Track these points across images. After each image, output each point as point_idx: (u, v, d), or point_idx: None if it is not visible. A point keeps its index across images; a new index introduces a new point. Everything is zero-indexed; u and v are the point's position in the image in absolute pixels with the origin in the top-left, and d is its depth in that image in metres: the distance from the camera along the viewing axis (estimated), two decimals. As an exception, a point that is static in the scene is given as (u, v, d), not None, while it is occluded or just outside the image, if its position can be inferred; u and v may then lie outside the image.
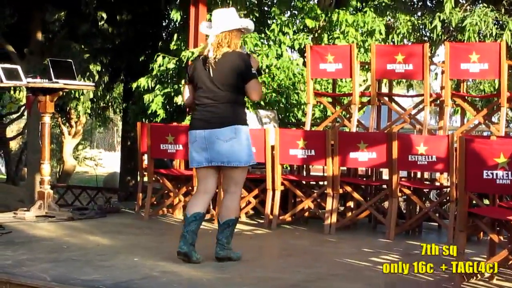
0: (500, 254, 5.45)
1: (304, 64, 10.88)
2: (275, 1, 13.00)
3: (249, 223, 8.76)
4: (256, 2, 13.26)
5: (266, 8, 13.57)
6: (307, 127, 9.43)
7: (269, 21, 12.81)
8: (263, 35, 11.80)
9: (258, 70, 6.43)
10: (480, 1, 14.13)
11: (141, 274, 5.73)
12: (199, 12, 10.81)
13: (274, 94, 10.85)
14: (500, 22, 13.07)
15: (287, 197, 8.81)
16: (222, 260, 6.19)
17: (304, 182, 8.74)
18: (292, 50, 12.43)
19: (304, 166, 9.10)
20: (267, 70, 11.03)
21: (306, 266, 6.26)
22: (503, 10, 13.20)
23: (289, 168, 9.40)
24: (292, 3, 12.41)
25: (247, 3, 12.81)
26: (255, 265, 6.24)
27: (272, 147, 8.27)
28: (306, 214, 8.87)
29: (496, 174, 5.20)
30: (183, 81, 10.73)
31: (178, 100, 10.90)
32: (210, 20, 6.45)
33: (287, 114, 11.13)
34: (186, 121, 10.54)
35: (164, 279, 5.58)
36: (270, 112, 9.96)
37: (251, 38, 11.06)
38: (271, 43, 11.64)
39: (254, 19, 12.62)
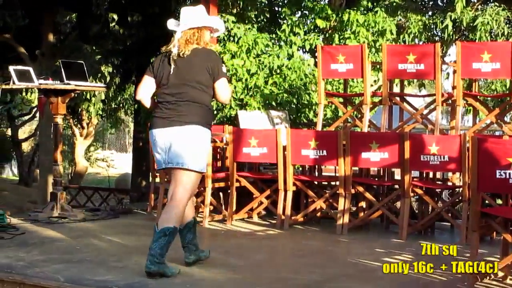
0: (513, 254, 5.44)
1: (315, 64, 10.88)
2: (285, 2, 13.01)
3: (261, 223, 8.76)
4: (266, 2, 13.27)
5: (277, 9, 13.58)
6: (319, 127, 9.43)
7: (280, 22, 12.81)
8: (274, 36, 11.81)
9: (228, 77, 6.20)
10: (491, 0, 14.09)
11: (154, 275, 5.73)
12: (209, 13, 10.82)
13: (285, 95, 10.84)
14: (512, 21, 13.04)
15: (299, 197, 8.81)
16: (153, 276, 5.56)
17: (316, 183, 8.74)
18: (303, 50, 12.43)
19: (316, 166, 9.10)
20: (278, 71, 11.03)
21: (318, 266, 6.25)
22: (514, 9, 13.16)
23: (301, 169, 9.40)
24: (303, 4, 12.40)
25: (258, 4, 12.81)
26: (267, 265, 6.25)
27: (284, 148, 8.27)
28: (318, 214, 8.87)
29: (509, 173, 5.18)
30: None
31: None
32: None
33: (299, 114, 11.13)
34: None
35: (177, 280, 5.58)
36: (282, 113, 9.97)
37: (262, 38, 11.06)
38: (282, 43, 11.64)
39: (264, 20, 12.65)
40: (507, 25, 12.82)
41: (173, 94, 5.78)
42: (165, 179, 8.94)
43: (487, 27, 12.39)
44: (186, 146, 5.71)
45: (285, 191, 8.33)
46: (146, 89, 5.97)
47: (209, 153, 5.89)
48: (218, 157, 9.33)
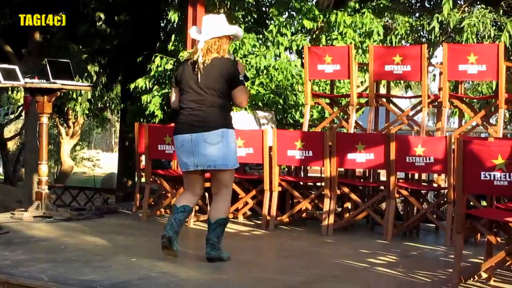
0: (497, 256, 5.45)
1: (302, 65, 10.89)
2: (273, 2, 13.01)
3: (246, 224, 8.76)
4: (254, 3, 13.27)
5: (264, 9, 13.58)
6: (305, 128, 9.43)
7: (267, 22, 12.82)
8: (261, 36, 11.81)
9: (245, 76, 6.46)
10: (478, 2, 14.14)
11: (139, 275, 5.72)
12: (197, 13, 10.80)
13: (272, 95, 10.85)
14: (498, 23, 13.07)
15: (284, 198, 8.81)
16: (213, 261, 6.20)
17: (301, 183, 8.74)
18: (290, 51, 12.44)
19: (302, 167, 9.10)
20: (265, 71, 11.04)
21: (303, 267, 6.26)
22: (501, 11, 13.20)
23: (286, 169, 9.41)
24: (290, 4, 12.40)
25: (245, 4, 12.81)
26: (252, 266, 6.24)
27: (270, 148, 8.27)
28: (304, 215, 8.87)
29: (494, 175, 5.20)
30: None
31: None
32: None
33: (285, 115, 11.14)
34: None
35: (162, 280, 5.57)
36: (268, 113, 9.97)
37: (249, 39, 11.07)
38: (269, 44, 11.65)
39: (252, 20, 12.65)
40: (494, 27, 12.85)
41: (195, 100, 6.18)
42: (151, 179, 8.94)
43: (473, 29, 12.42)
44: (216, 149, 6.14)
45: (271, 191, 8.33)
46: (176, 99, 6.40)
47: (236, 149, 6.35)
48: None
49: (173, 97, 6.44)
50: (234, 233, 8.05)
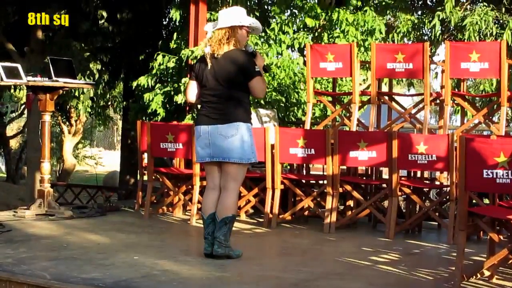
0: (500, 254, 5.45)
1: (304, 63, 10.88)
2: (275, 0, 13.00)
3: (248, 221, 8.76)
4: (256, 1, 13.27)
5: (266, 7, 13.57)
6: (307, 126, 9.43)
7: (269, 20, 12.81)
8: (263, 34, 11.81)
9: (265, 68, 6.49)
10: (480, 0, 14.13)
11: (141, 273, 5.73)
12: (199, 11, 10.81)
13: (274, 93, 10.84)
14: (501, 21, 13.08)
15: (287, 196, 8.81)
16: (221, 258, 6.20)
17: (304, 181, 8.74)
18: (292, 49, 12.43)
19: (304, 165, 9.09)
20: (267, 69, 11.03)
21: (306, 265, 6.26)
22: (503, 9, 13.20)
23: (289, 167, 9.40)
24: (292, 2, 12.39)
25: (248, 2, 12.81)
26: (254, 263, 6.24)
27: (272, 146, 8.27)
28: (306, 213, 8.87)
29: (496, 173, 5.20)
30: (187, 78, 10.76)
31: (178, 99, 10.90)
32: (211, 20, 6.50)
33: (287, 113, 11.13)
34: (186, 120, 10.55)
35: (164, 278, 5.58)
36: (270, 111, 9.96)
37: (251, 37, 11.06)
38: (271, 42, 11.64)
39: (254, 18, 12.63)
40: (496, 25, 12.85)
41: (213, 94, 6.25)
42: (153, 177, 8.94)
43: (475, 27, 12.42)
44: (230, 142, 6.19)
45: (273, 189, 8.33)
46: (191, 92, 6.46)
47: (252, 144, 6.33)
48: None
49: (189, 90, 6.49)
50: (237, 230, 8.04)
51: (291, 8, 12.57)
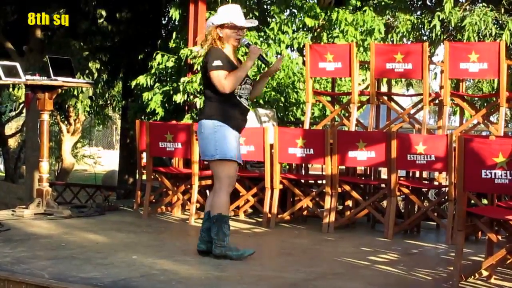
0: (498, 254, 5.46)
1: (304, 63, 10.89)
2: (274, 0, 13.00)
3: (247, 221, 8.77)
4: (255, 0, 13.26)
5: (265, 7, 13.57)
6: (306, 126, 9.44)
7: (268, 20, 12.81)
8: (262, 34, 11.80)
9: (263, 60, 6.53)
10: (479, 1, 14.13)
11: (140, 272, 5.73)
12: (198, 10, 10.81)
13: (273, 93, 10.85)
14: (500, 21, 13.07)
15: (285, 195, 8.81)
16: (218, 257, 6.23)
17: (302, 181, 8.74)
18: (292, 49, 12.43)
19: (303, 165, 9.10)
20: (266, 69, 11.01)
21: (305, 264, 6.26)
22: (502, 9, 13.20)
23: (287, 167, 9.41)
24: (292, 2, 12.39)
25: (247, 1, 12.80)
26: (254, 263, 6.24)
27: (271, 146, 8.28)
28: (305, 213, 8.88)
29: (495, 173, 5.20)
30: (186, 77, 10.76)
31: (177, 98, 10.90)
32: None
33: (286, 113, 11.14)
34: (185, 120, 10.55)
35: (163, 277, 5.58)
36: (269, 111, 9.96)
37: (250, 36, 11.06)
38: (270, 41, 11.64)
39: (253, 18, 12.63)
40: (495, 26, 12.85)
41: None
42: (152, 177, 8.94)
43: (475, 28, 12.42)
44: (200, 140, 6.32)
45: (272, 189, 8.33)
46: None
47: (229, 141, 6.20)
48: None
49: None
50: (235, 230, 8.05)
51: (291, 8, 12.57)
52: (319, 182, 8.76)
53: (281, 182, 8.37)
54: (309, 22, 11.94)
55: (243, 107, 6.33)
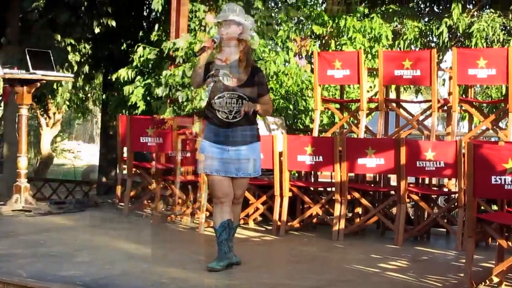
0: (509, 260, 5.44)
1: (312, 70, 10.90)
2: (282, 8, 12.99)
3: (257, 229, 8.75)
4: (262, 8, 13.26)
5: (273, 15, 13.57)
6: (315, 133, 9.43)
7: (276, 28, 12.82)
8: (270, 42, 11.82)
9: (195, 52, 6.44)
10: (487, 7, 14.13)
11: (120, 270, 5.70)
12: (180, 2, 10.58)
13: (282, 101, 10.85)
14: (508, 27, 13.09)
15: (295, 203, 8.80)
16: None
17: (312, 189, 8.73)
18: (300, 56, 12.44)
19: (312, 172, 9.09)
20: (274, 77, 11.02)
21: (314, 272, 6.25)
22: (510, 15, 13.21)
23: (297, 175, 9.40)
24: (300, 10, 12.41)
25: (251, 10, 12.79)
26: (263, 271, 6.24)
27: (280, 154, 8.27)
28: (314, 220, 8.86)
29: (505, 179, 5.19)
30: (167, 71, 10.57)
31: (159, 91, 10.55)
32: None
33: (295, 120, 11.13)
34: (167, 114, 10.20)
35: (145, 275, 5.53)
36: (278, 119, 9.97)
37: (259, 44, 11.05)
38: (278, 49, 11.65)
39: (261, 26, 12.64)
40: (503, 32, 12.86)
41: None
42: (133, 172, 8.83)
43: (483, 34, 12.44)
44: None
45: (281, 197, 8.32)
46: None
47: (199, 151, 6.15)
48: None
49: None
50: (245, 238, 8.05)
51: (299, 16, 12.58)
52: (329, 189, 8.74)
53: (290, 189, 8.37)
54: (317, 29, 11.96)
55: (219, 120, 6.03)
